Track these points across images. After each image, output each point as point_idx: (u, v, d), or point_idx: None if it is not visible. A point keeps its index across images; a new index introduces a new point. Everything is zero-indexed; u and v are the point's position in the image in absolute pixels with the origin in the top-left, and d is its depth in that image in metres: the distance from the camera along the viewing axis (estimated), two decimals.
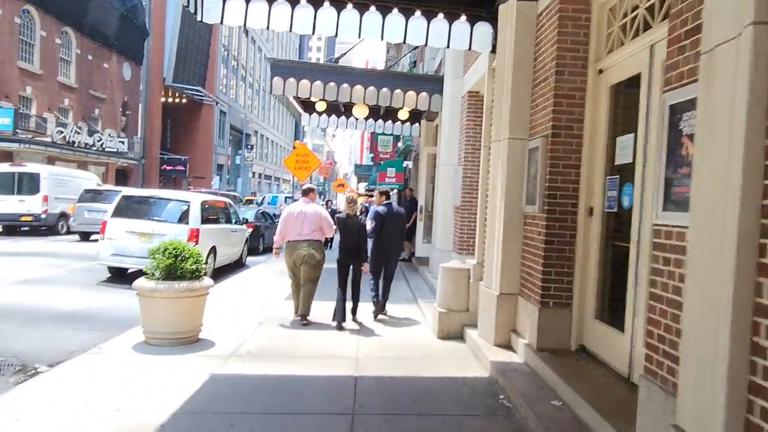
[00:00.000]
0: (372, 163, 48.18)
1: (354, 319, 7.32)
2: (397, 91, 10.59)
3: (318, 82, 10.43)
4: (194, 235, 10.10)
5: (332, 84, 10.46)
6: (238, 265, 13.49)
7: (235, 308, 8.03)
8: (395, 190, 23.18)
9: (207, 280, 6.10)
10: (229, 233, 12.21)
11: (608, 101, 4.71)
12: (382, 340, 6.54)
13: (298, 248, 7.02)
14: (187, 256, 5.90)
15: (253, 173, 61.99)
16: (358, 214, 7.59)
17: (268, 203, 34.37)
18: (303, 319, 7.19)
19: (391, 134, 24.54)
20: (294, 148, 17.74)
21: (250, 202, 37.05)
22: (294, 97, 11.71)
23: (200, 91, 46.01)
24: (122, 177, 36.44)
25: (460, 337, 6.47)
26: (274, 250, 7.62)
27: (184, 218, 10.23)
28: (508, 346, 5.57)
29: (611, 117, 4.70)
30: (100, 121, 33.38)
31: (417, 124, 15.17)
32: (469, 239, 9.43)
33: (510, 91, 5.57)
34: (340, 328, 6.93)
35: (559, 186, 4.93)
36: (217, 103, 50.11)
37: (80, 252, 14.21)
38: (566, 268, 4.93)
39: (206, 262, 10.77)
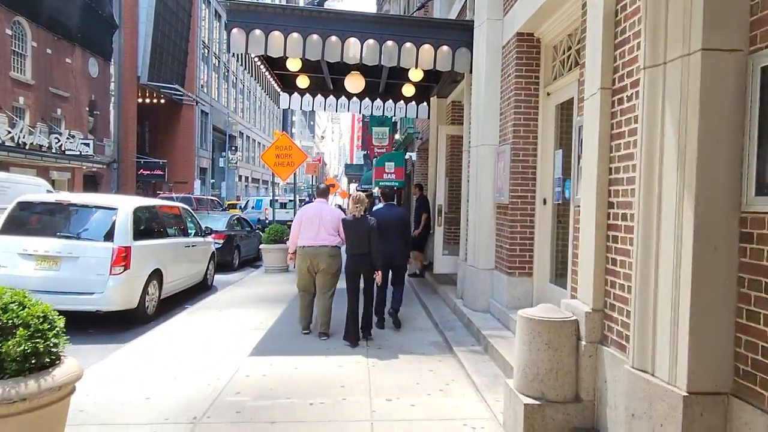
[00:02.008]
0: (363, 163, 45.29)
1: (366, 337, 6.42)
2: (407, 44, 7.50)
3: (295, 35, 7.34)
4: (122, 257, 6.97)
5: (315, 37, 7.37)
6: (202, 288, 10.38)
7: (167, 377, 4.93)
8: (395, 188, 20.13)
9: (64, 371, 2.96)
10: (184, 249, 9.07)
11: None
12: None
13: (315, 256, 6.40)
14: (12, 322, 2.80)
15: (240, 176, 58.91)
16: (365, 214, 6.49)
17: (253, 207, 31.13)
18: (322, 336, 6.49)
19: (389, 124, 21.48)
20: (275, 139, 14.56)
21: (233, 206, 33.86)
22: (260, 58, 8.59)
23: (179, 90, 42.77)
24: (91, 183, 33.03)
25: None
26: (288, 256, 6.94)
27: (109, 233, 7.10)
28: None
29: None
30: (63, 121, 29.99)
31: (425, 104, 12.14)
32: (525, 253, 6.38)
33: None
34: (354, 345, 6.15)
35: None
36: (197, 103, 46.93)
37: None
38: None
39: (146, 292, 7.76)
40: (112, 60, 36.19)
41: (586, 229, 3.62)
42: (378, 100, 11.90)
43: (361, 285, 6.44)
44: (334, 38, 7.39)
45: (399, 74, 10.08)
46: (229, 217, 14.58)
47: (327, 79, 10.54)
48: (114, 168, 36.35)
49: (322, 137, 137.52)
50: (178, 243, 8.87)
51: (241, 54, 9.29)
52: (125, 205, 7.40)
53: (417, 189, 12.12)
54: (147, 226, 7.97)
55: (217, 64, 53.62)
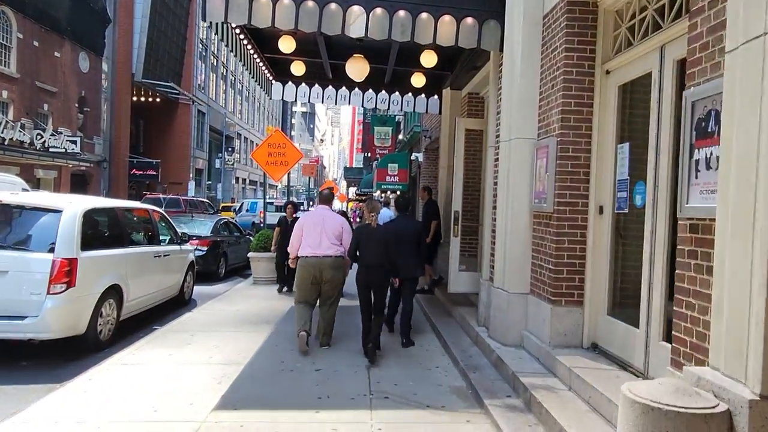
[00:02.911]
0: (362, 166, 43.97)
1: (372, 360, 5.70)
2: (423, 15, 6.13)
3: (286, 1, 5.97)
4: (64, 272, 5.54)
5: (311, 4, 6.00)
6: (178, 304, 8.97)
7: None
8: (397, 192, 18.77)
9: None
10: (153, 260, 7.65)
11: None
12: None
13: (319, 267, 6.11)
14: None
15: (237, 179, 57.53)
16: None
17: (247, 210, 29.76)
18: (323, 347, 6.24)
19: (393, 124, 20.13)
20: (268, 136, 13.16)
21: (227, 209, 32.46)
22: (245, 35, 7.20)
23: (174, 89, 41.37)
24: (80, 183, 31.56)
25: None
26: (290, 261, 6.68)
27: (50, 241, 5.69)
28: None
29: None
30: (50, 117, 28.60)
31: (435, 97, 10.78)
32: (574, 276, 4.99)
33: None
34: (372, 361, 5.65)
35: None
36: (194, 103, 45.58)
37: None
38: None
39: (99, 314, 6.31)
40: (105, 55, 34.85)
41: (730, 257, 2.23)
42: (383, 91, 10.54)
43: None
44: (333, 6, 6.02)
45: (409, 59, 8.71)
46: (215, 222, 13.16)
47: (325, 65, 9.16)
48: (104, 167, 34.94)
49: (322, 140, 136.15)
50: (145, 252, 7.45)
51: (233, 43, 7.96)
52: (73, 206, 5.98)
53: (425, 193, 10.70)
54: (103, 232, 6.57)
55: (215, 64, 52.40)
